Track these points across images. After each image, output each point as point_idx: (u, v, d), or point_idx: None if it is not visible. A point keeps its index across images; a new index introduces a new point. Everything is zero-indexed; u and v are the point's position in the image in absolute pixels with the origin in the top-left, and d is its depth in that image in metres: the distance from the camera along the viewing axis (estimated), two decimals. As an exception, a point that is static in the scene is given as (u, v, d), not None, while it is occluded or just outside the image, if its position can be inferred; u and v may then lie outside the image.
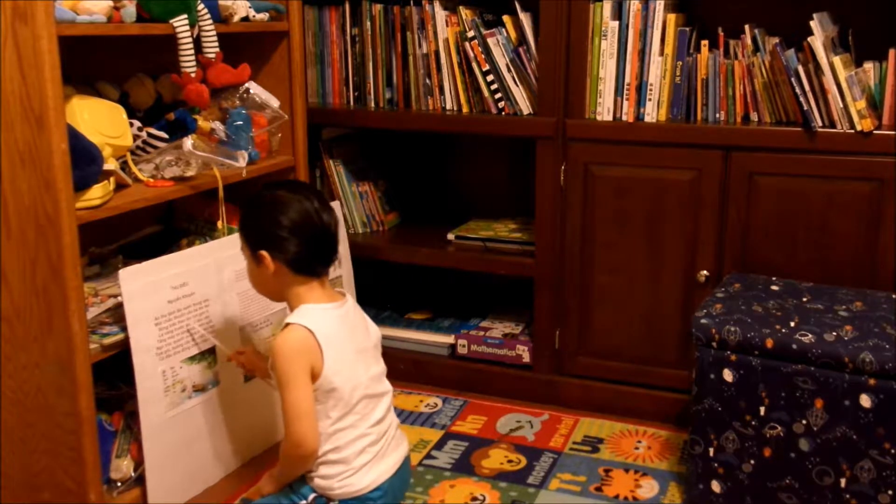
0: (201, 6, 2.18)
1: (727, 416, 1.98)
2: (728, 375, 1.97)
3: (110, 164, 2.00)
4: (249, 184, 2.46)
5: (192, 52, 2.14)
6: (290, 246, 1.79)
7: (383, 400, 1.87)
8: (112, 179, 2.01)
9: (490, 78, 2.61)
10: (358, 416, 1.80)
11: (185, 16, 2.10)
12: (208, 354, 2.14)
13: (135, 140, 2.12)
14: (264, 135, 2.48)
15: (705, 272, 2.41)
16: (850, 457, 1.87)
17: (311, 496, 1.81)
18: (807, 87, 2.25)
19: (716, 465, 2.01)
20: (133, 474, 2.08)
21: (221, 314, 2.18)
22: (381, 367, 1.90)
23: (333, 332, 1.79)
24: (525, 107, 2.60)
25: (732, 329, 1.96)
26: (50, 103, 1.77)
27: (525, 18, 2.54)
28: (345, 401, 1.78)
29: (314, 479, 1.81)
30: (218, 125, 2.32)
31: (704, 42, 2.39)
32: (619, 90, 2.47)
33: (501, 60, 2.59)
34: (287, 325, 1.79)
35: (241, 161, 2.31)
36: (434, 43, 2.68)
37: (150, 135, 2.14)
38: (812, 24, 2.21)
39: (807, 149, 2.28)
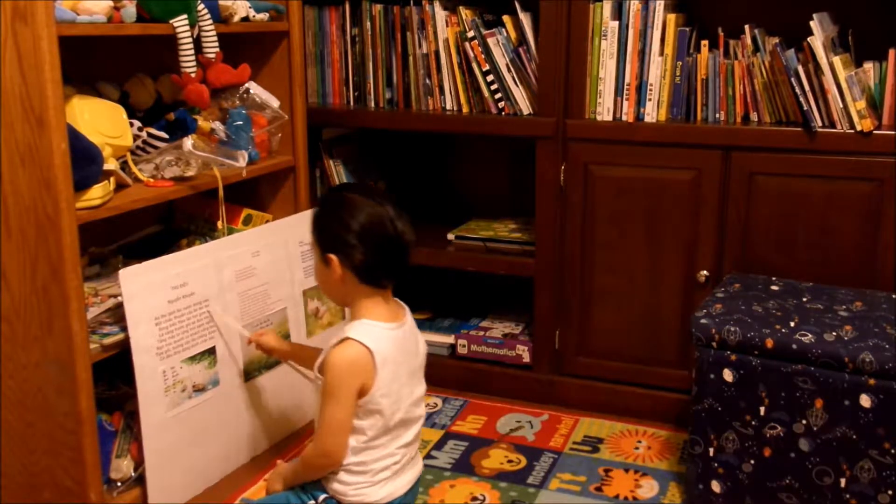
0: (201, 6, 2.18)
1: (727, 416, 1.98)
2: (728, 375, 1.97)
3: (110, 164, 2.00)
4: (249, 184, 2.47)
5: (192, 52, 2.14)
6: (358, 253, 1.72)
7: (417, 424, 1.85)
8: (112, 179, 2.01)
9: (490, 78, 2.61)
10: (391, 437, 1.79)
11: (185, 16, 2.10)
12: (208, 354, 2.14)
13: (135, 140, 2.12)
14: (264, 135, 2.48)
15: (705, 272, 2.41)
16: (850, 457, 1.87)
17: (322, 497, 1.80)
18: (807, 87, 2.25)
19: (716, 465, 2.01)
20: (133, 474, 2.08)
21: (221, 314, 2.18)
22: (423, 388, 1.87)
23: (391, 355, 1.74)
24: (525, 107, 2.60)
25: (732, 329, 1.96)
26: (50, 103, 1.77)
27: (525, 18, 2.54)
28: (384, 422, 1.76)
29: (331, 482, 1.80)
30: (218, 125, 2.32)
31: (704, 42, 2.39)
32: (619, 90, 2.47)
33: (501, 60, 2.59)
34: (346, 338, 1.73)
35: (241, 161, 2.31)
36: (434, 43, 2.68)
37: (150, 135, 2.14)
38: (812, 24, 2.21)
39: (807, 149, 2.28)
